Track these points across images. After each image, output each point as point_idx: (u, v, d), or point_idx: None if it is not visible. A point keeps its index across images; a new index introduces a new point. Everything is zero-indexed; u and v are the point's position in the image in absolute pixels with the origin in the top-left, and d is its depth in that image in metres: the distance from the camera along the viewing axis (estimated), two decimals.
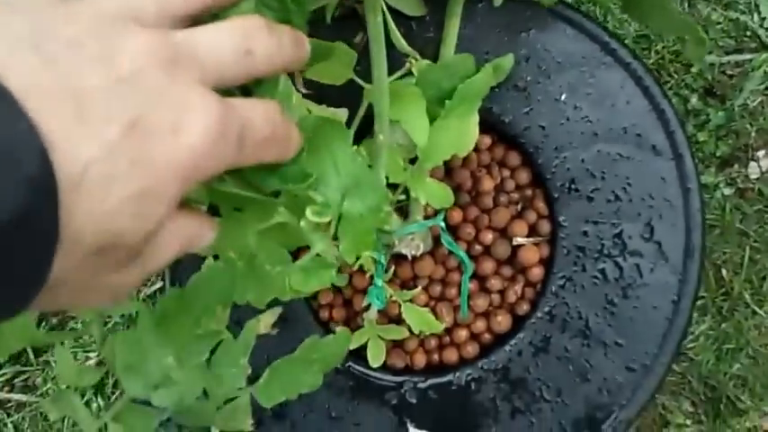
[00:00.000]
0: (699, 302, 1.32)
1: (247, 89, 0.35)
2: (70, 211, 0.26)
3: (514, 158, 0.75)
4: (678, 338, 0.73)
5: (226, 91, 0.32)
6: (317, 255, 0.51)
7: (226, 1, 0.33)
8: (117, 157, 0.26)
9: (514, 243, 0.75)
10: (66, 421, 1.31)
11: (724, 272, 1.34)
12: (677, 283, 0.72)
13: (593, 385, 0.72)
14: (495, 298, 0.75)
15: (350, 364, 0.74)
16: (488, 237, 0.75)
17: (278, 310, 0.58)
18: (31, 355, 1.32)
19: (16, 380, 1.33)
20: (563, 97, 0.72)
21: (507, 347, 0.74)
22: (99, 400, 1.26)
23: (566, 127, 0.73)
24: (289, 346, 0.57)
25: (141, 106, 0.27)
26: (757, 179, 1.35)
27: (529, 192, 0.76)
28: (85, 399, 1.26)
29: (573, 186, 0.73)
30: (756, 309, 1.33)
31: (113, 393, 1.27)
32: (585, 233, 0.73)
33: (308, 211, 0.48)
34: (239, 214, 0.44)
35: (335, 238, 0.50)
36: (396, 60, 0.61)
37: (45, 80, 0.26)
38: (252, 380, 0.55)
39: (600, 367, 0.72)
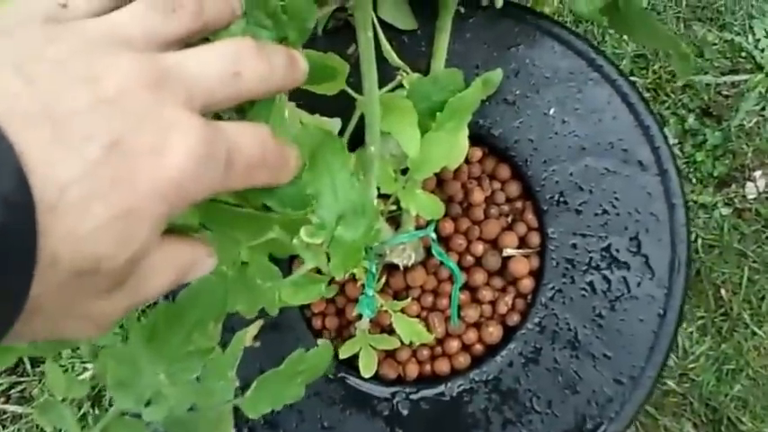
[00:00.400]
0: (699, 323, 1.35)
1: (243, 110, 0.37)
2: (47, 232, 0.25)
3: (504, 171, 0.78)
4: (665, 352, 0.75)
5: (218, 114, 0.34)
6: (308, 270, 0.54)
7: (214, 24, 0.34)
8: (97, 178, 0.26)
9: (505, 254, 0.77)
10: None
11: (723, 292, 1.37)
12: (663, 297, 0.75)
13: (583, 397, 0.75)
14: (486, 309, 0.78)
15: (342, 374, 0.76)
16: (479, 248, 0.77)
17: (260, 323, 0.61)
18: (28, 366, 1.34)
19: (12, 391, 1.36)
20: (551, 111, 0.75)
21: (498, 358, 0.76)
22: (96, 410, 1.28)
23: (554, 141, 0.76)
24: (280, 354, 0.58)
25: (123, 127, 0.27)
26: (755, 199, 1.38)
27: (519, 204, 0.79)
28: (82, 411, 1.28)
29: (561, 199, 0.76)
30: (756, 329, 1.35)
31: (111, 405, 1.29)
32: (574, 246, 0.76)
33: (303, 232, 0.51)
34: (232, 231, 0.45)
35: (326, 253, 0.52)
36: (387, 73, 0.64)
37: (26, 101, 0.26)
38: (243, 388, 0.57)
39: (589, 379, 0.75)
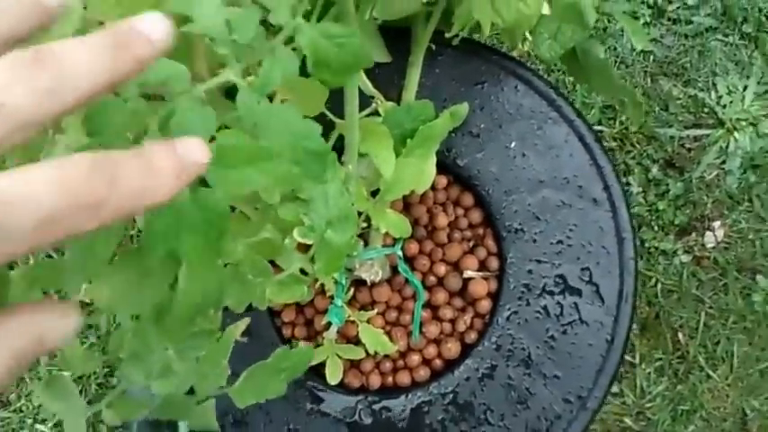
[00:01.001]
0: (656, 364, 1.43)
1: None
2: None
3: (468, 199, 0.86)
4: (611, 375, 0.82)
5: None
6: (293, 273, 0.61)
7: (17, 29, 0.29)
8: None
9: (465, 276, 0.85)
10: None
11: (680, 335, 1.45)
12: (612, 324, 0.83)
13: (533, 413, 0.82)
14: (447, 326, 0.85)
15: (309, 381, 0.83)
16: (442, 269, 0.85)
17: (248, 320, 0.67)
18: None
19: None
20: (513, 145, 0.83)
21: (456, 373, 0.83)
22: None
23: (514, 173, 0.84)
24: (251, 358, 0.64)
25: None
26: (713, 248, 1.47)
27: (480, 230, 0.87)
28: (57, 418, 1.34)
29: (520, 227, 0.84)
30: (710, 373, 1.43)
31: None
32: (530, 271, 0.84)
33: (296, 232, 0.59)
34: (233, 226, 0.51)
35: (312, 258, 0.60)
36: (361, 99, 0.72)
37: None
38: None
39: (540, 396, 0.82)
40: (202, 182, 0.42)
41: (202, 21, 0.46)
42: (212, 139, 0.44)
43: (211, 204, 0.42)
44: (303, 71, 0.51)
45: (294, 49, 0.50)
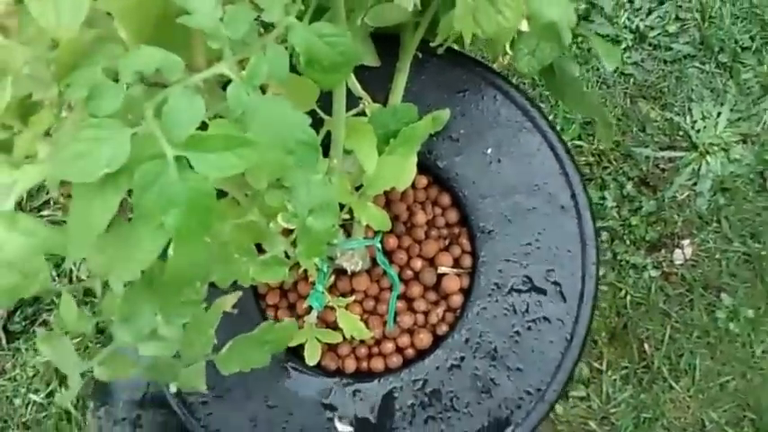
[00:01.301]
0: (622, 372, 1.47)
1: None
2: None
3: (446, 199, 0.90)
4: (569, 370, 0.86)
5: None
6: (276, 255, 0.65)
7: None
8: None
9: (440, 272, 0.89)
10: (29, 407, 1.41)
11: (646, 346, 1.49)
12: (572, 323, 0.87)
13: (496, 402, 0.86)
14: (420, 318, 0.89)
15: (289, 360, 0.86)
16: (418, 264, 0.89)
17: (239, 293, 0.71)
18: (4, 341, 1.42)
19: None
20: (489, 151, 0.88)
21: (427, 362, 0.87)
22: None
23: (490, 177, 0.88)
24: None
25: None
26: (681, 265, 1.51)
27: (456, 230, 0.91)
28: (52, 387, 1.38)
29: (493, 229, 0.88)
30: (673, 383, 1.47)
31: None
32: (500, 270, 0.88)
33: (280, 217, 0.62)
34: (220, 207, 0.54)
35: (294, 243, 0.64)
36: (350, 101, 0.75)
37: None
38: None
39: (503, 387, 0.86)
40: (190, 164, 0.46)
41: (198, 15, 0.50)
42: (203, 126, 0.47)
43: (197, 183, 0.46)
44: (296, 70, 0.55)
45: (287, 48, 0.53)
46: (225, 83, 0.52)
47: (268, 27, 0.54)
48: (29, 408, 1.42)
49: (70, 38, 0.48)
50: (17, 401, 1.43)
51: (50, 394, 1.39)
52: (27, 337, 1.45)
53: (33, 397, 1.43)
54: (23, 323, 1.47)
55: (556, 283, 0.87)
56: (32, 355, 1.43)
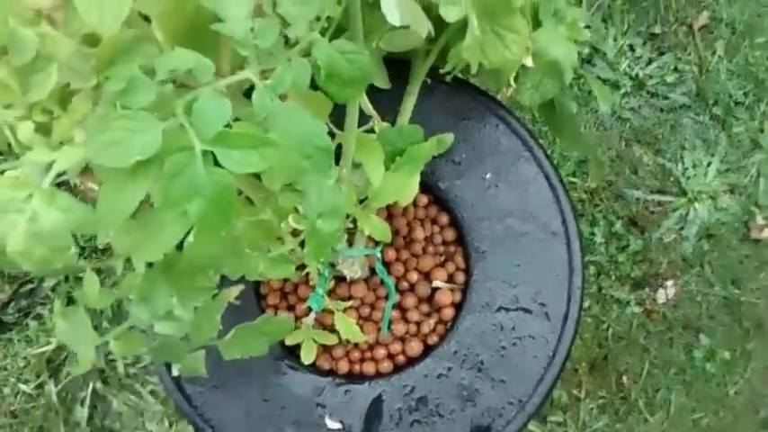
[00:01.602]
0: (600, 401, 1.49)
1: None
2: None
3: (444, 218, 0.93)
4: (549, 386, 0.89)
5: None
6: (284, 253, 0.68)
7: None
8: None
9: (434, 286, 0.92)
10: (17, 396, 1.42)
11: (624, 379, 1.51)
12: (555, 342, 0.89)
13: (479, 410, 0.88)
14: (412, 327, 0.92)
15: (285, 359, 0.89)
16: (414, 277, 0.92)
17: (241, 286, 0.73)
18: None
19: None
20: (488, 176, 0.91)
21: (416, 369, 0.90)
22: (53, 380, 1.39)
23: (487, 201, 0.91)
24: None
25: None
26: (663, 304, 1.54)
27: (452, 248, 0.94)
28: (40, 379, 1.40)
29: (486, 249, 0.91)
30: (648, 416, 1.49)
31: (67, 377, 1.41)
32: (491, 289, 0.91)
33: (291, 218, 0.66)
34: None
35: (302, 243, 0.67)
36: (360, 118, 0.78)
37: None
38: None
39: (486, 396, 0.88)
40: (216, 160, 0.49)
41: (231, 23, 0.54)
42: (228, 125, 0.51)
43: (221, 177, 0.49)
44: (313, 85, 0.58)
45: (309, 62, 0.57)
46: (246, 89, 0.56)
47: (288, 41, 0.58)
48: (17, 397, 1.44)
49: (111, 35, 0.51)
50: (6, 390, 1.44)
51: (40, 386, 1.41)
52: (20, 329, 1.47)
53: (23, 387, 1.44)
54: (17, 315, 1.48)
55: (542, 304, 0.90)
56: (24, 347, 1.45)
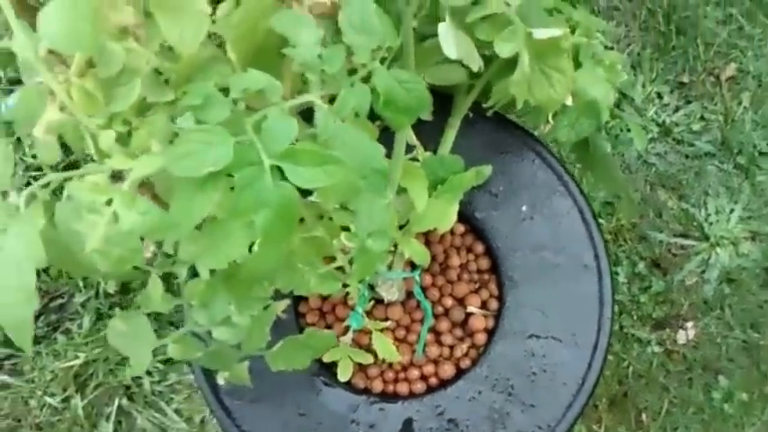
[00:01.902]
0: None
1: None
2: None
3: (479, 247, 0.95)
4: (578, 412, 0.90)
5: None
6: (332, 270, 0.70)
7: None
8: None
9: (468, 311, 0.94)
10: (43, 409, 1.43)
11: (644, 416, 1.51)
12: (585, 370, 0.90)
13: None
14: (446, 351, 0.94)
15: (321, 375, 0.91)
16: (449, 302, 0.94)
17: (287, 301, 0.75)
18: None
19: (6, 362, 1.47)
20: (524, 209, 0.93)
21: (449, 391, 0.91)
22: (80, 395, 1.41)
23: (521, 232, 0.93)
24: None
25: None
26: (684, 345, 1.54)
27: (486, 276, 0.95)
28: (66, 392, 1.41)
29: (520, 279, 0.93)
30: None
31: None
32: (523, 316, 0.92)
33: (343, 236, 0.68)
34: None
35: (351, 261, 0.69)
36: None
37: None
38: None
39: (516, 420, 0.89)
40: (283, 175, 0.51)
41: (301, 48, 0.56)
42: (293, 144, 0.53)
43: (287, 191, 0.51)
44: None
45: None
46: (303, 110, 0.58)
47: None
48: (43, 410, 1.44)
49: (190, 54, 0.54)
50: (32, 402, 1.44)
51: (66, 400, 1.41)
52: (48, 343, 1.47)
53: (49, 400, 1.44)
54: (46, 329, 1.49)
55: (573, 334, 0.91)
56: (52, 360, 1.45)
